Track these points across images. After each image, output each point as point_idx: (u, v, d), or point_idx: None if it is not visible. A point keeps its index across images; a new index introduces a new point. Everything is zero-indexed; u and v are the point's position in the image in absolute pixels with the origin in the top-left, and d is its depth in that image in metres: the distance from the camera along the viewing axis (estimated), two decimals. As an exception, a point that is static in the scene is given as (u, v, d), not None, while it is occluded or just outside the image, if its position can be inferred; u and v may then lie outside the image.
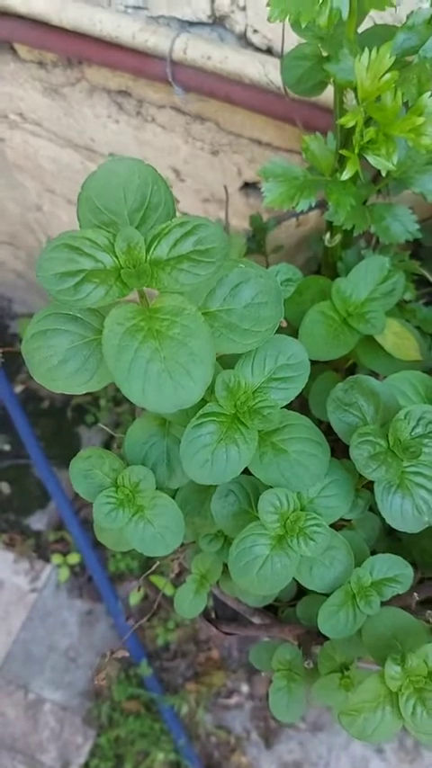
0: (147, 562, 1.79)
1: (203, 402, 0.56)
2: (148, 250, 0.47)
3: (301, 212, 0.94)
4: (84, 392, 0.53)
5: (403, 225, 0.75)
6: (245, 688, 1.69)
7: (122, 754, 1.63)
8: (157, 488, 0.61)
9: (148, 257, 0.47)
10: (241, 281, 0.54)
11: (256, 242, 0.94)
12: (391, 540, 0.73)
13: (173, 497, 0.63)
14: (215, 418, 0.55)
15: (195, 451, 0.54)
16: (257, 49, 1.00)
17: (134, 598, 1.62)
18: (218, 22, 1.01)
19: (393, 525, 0.56)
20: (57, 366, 0.52)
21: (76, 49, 1.11)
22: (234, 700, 1.68)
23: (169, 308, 0.48)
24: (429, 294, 0.94)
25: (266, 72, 0.94)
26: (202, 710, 1.66)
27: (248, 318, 0.54)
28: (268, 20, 0.57)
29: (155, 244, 0.47)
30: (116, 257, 0.47)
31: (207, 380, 0.48)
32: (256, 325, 0.54)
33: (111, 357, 0.47)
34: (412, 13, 0.65)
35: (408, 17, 0.66)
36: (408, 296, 0.83)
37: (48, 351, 0.52)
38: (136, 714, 1.67)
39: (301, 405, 0.82)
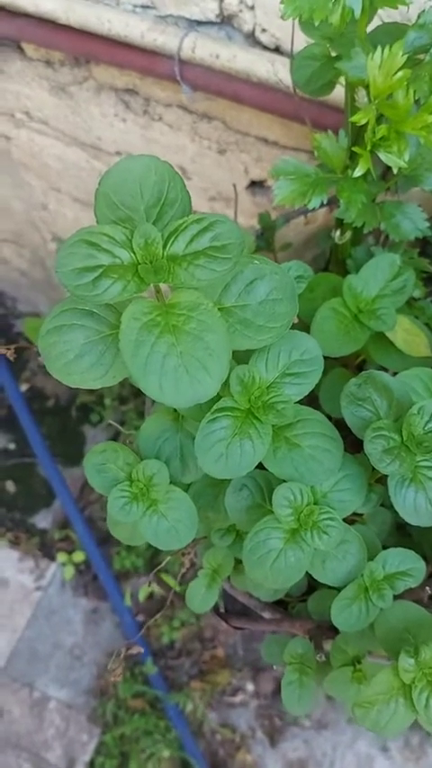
0: (152, 560, 1.80)
1: (218, 397, 0.56)
2: (164, 246, 0.48)
3: (311, 210, 0.95)
4: (99, 387, 0.54)
5: (413, 222, 0.75)
6: (250, 686, 1.69)
7: (127, 751, 1.64)
8: (170, 483, 0.62)
9: (165, 253, 0.48)
10: (256, 278, 0.55)
11: (265, 239, 0.94)
12: (402, 535, 0.74)
13: (186, 492, 0.63)
14: (230, 413, 0.56)
15: (210, 446, 0.55)
16: (265, 48, 1.01)
17: (142, 594, 1.62)
18: (226, 21, 1.02)
19: (407, 519, 0.57)
20: (73, 361, 0.53)
21: (85, 47, 1.11)
22: (239, 698, 1.69)
23: (185, 304, 0.49)
24: (437, 291, 0.95)
25: (275, 71, 0.95)
26: (207, 708, 1.67)
27: (263, 314, 0.55)
28: (282, 18, 0.57)
29: (172, 240, 0.48)
30: (133, 253, 0.48)
31: (223, 375, 0.48)
32: (270, 322, 0.55)
33: (128, 352, 0.47)
34: (423, 11, 0.66)
35: (419, 15, 0.66)
36: (417, 293, 0.84)
37: (64, 346, 0.53)
38: (141, 712, 1.67)
39: (310, 401, 0.83)
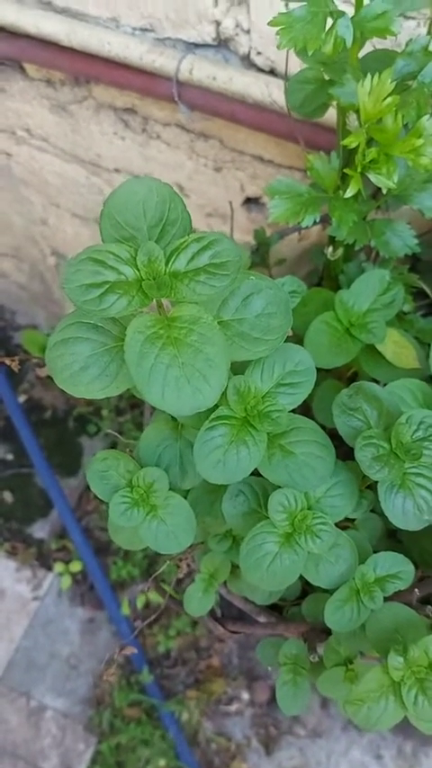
0: (149, 569, 1.81)
1: (216, 406, 0.59)
2: (167, 263, 0.51)
3: (305, 227, 0.98)
4: (103, 397, 0.57)
5: (402, 239, 0.78)
6: (245, 695, 1.71)
7: (123, 761, 1.65)
8: (170, 489, 0.65)
9: (168, 270, 0.51)
10: (252, 293, 0.58)
11: (260, 255, 0.97)
12: (393, 541, 0.77)
13: (185, 498, 0.66)
14: (227, 421, 0.58)
15: (208, 452, 0.58)
16: (261, 70, 1.04)
17: (139, 603, 1.64)
18: (223, 44, 1.05)
19: (396, 523, 0.59)
20: (78, 372, 0.55)
21: (86, 69, 1.15)
22: (234, 707, 1.70)
23: (187, 317, 0.52)
24: (427, 306, 0.98)
25: (270, 92, 0.98)
26: (202, 717, 1.68)
27: (259, 327, 0.58)
28: (277, 47, 0.61)
29: (173, 257, 0.51)
30: (137, 270, 0.50)
31: (222, 385, 0.51)
32: (266, 334, 0.58)
33: (132, 363, 0.50)
34: (411, 40, 0.69)
35: (407, 44, 0.70)
36: (406, 308, 0.87)
37: (70, 358, 0.56)
38: (137, 721, 1.68)
39: (304, 411, 0.85)
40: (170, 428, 0.67)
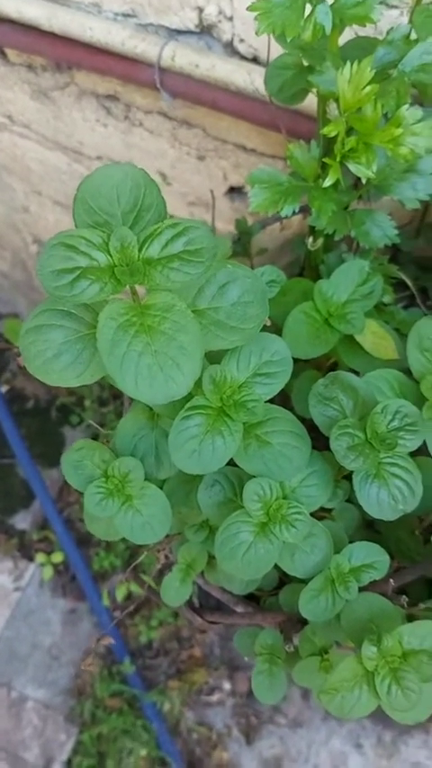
0: (130, 560, 1.81)
1: (191, 396, 0.59)
2: (140, 249, 0.50)
3: (285, 217, 0.97)
4: (77, 385, 0.56)
5: (382, 230, 0.78)
6: (227, 685, 1.71)
7: (105, 751, 1.65)
8: (145, 479, 0.64)
9: (141, 256, 0.50)
10: (229, 281, 0.57)
11: (242, 245, 0.97)
12: (370, 531, 0.77)
13: (161, 488, 0.65)
14: (202, 411, 0.58)
15: (184, 442, 0.57)
16: (243, 58, 1.03)
17: (120, 594, 1.63)
18: (205, 30, 1.04)
19: (370, 513, 0.59)
20: (51, 359, 0.55)
21: (67, 54, 1.13)
22: (216, 697, 1.71)
23: (160, 305, 0.51)
24: (408, 297, 0.98)
25: (252, 80, 0.98)
26: (183, 707, 1.69)
27: (235, 316, 0.57)
28: (256, 33, 0.60)
29: (147, 243, 0.50)
30: (110, 256, 0.50)
31: (196, 373, 0.50)
32: (242, 323, 0.57)
33: (105, 351, 0.49)
34: (392, 28, 0.69)
35: (387, 32, 0.69)
36: (387, 299, 0.87)
37: (43, 345, 0.55)
38: (118, 711, 1.69)
39: (284, 402, 0.85)
40: (146, 418, 0.67)
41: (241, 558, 0.60)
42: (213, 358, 0.61)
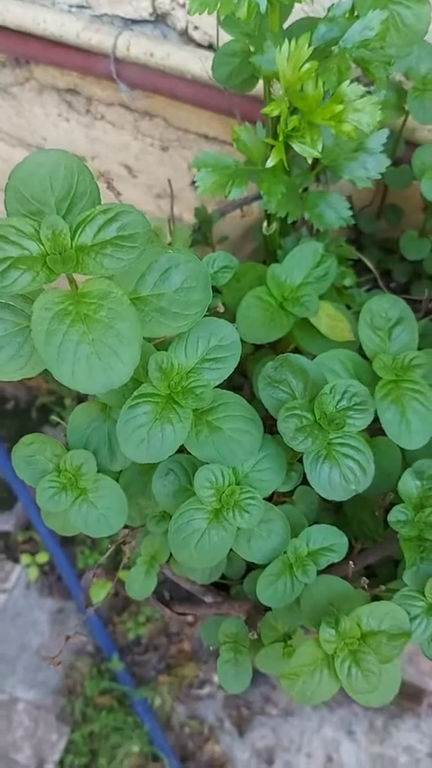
0: (116, 557, 1.80)
1: (138, 383, 0.58)
2: (73, 237, 0.49)
3: (244, 203, 0.97)
4: (20, 378, 0.55)
5: (337, 212, 0.77)
6: (216, 678, 1.71)
7: (97, 749, 1.65)
8: (99, 471, 0.63)
9: (74, 243, 0.49)
10: (170, 267, 0.56)
11: (202, 233, 0.96)
12: (335, 514, 0.76)
13: (117, 480, 0.65)
14: (150, 399, 0.57)
15: (132, 431, 0.56)
16: (199, 45, 1.02)
17: (98, 592, 1.62)
18: (160, 19, 1.03)
19: (322, 494, 0.59)
20: (-8, 353, 0.54)
21: (22, 48, 1.12)
22: (206, 690, 1.70)
23: (96, 293, 0.50)
24: (371, 281, 0.97)
25: (207, 68, 0.96)
26: (175, 702, 1.68)
27: (178, 302, 0.56)
28: (188, 13, 0.59)
29: (79, 230, 0.49)
30: (42, 244, 0.49)
31: (135, 361, 0.50)
32: (185, 309, 0.56)
33: (40, 342, 0.49)
34: (333, 5, 0.68)
35: (329, 9, 0.68)
36: (348, 282, 0.86)
37: (-18, 338, 0.54)
38: (109, 709, 1.68)
39: (248, 389, 0.85)
40: (99, 409, 0.66)
41: (195, 547, 0.59)
42: (161, 346, 0.61)
